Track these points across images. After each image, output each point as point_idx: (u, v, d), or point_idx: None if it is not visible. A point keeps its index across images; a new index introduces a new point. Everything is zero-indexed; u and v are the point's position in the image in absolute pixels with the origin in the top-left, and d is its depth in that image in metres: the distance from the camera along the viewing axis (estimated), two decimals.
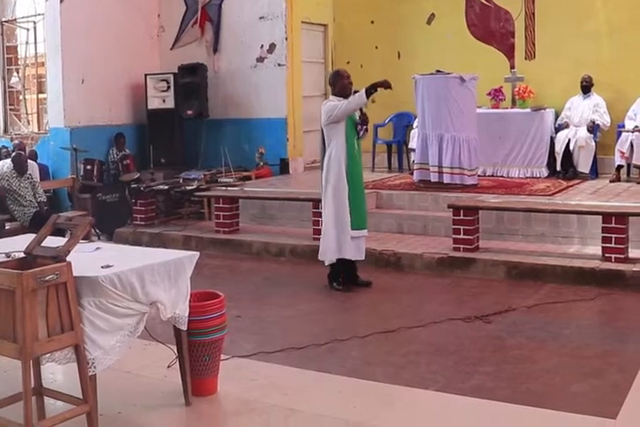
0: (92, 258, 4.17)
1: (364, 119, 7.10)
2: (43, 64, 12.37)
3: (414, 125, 10.69)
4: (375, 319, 6.21)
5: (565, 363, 5.16)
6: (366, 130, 7.23)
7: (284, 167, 12.06)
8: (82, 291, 3.74)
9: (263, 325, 6.18)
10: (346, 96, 6.98)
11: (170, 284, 4.16)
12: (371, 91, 6.89)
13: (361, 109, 7.06)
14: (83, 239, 4.20)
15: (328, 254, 7.12)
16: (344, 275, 7.24)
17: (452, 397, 4.52)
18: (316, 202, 8.74)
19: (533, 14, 11.59)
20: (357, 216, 7.12)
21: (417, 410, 4.35)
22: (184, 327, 4.28)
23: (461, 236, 7.91)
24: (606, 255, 7.34)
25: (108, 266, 3.91)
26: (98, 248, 4.52)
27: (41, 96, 12.72)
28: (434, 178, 9.58)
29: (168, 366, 4.78)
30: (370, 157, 12.10)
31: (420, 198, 9.30)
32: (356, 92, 6.97)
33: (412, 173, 10.26)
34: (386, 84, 6.99)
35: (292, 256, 8.66)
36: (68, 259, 3.66)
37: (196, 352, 4.44)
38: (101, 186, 10.84)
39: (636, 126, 10.20)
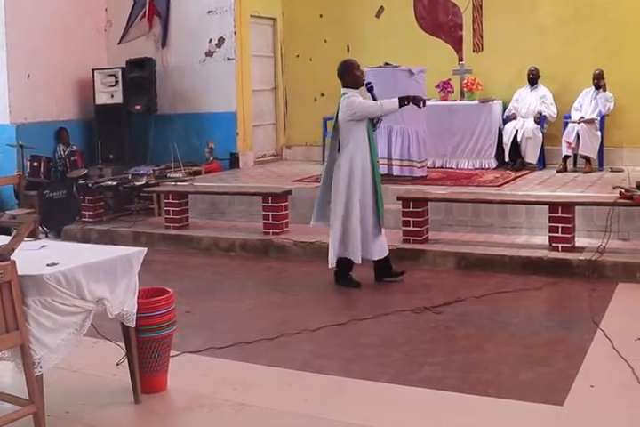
0: (37, 256, 4.13)
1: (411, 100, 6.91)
2: None
3: None
4: (326, 312, 6.23)
5: (514, 352, 5.22)
6: (380, 121, 7.09)
7: (234, 162, 12.02)
8: (27, 290, 3.69)
9: (213, 320, 6.15)
10: (357, 87, 6.86)
11: (117, 280, 4.13)
12: (404, 102, 6.77)
13: (376, 101, 6.92)
14: (29, 237, 4.16)
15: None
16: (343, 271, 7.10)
17: (402, 388, 4.55)
18: (266, 196, 8.77)
19: (481, 7, 11.69)
20: (383, 210, 6.99)
21: (366, 402, 4.36)
22: (132, 324, 4.25)
23: (411, 227, 7.95)
24: (553, 245, 7.44)
25: (53, 264, 3.87)
26: (44, 246, 4.47)
27: None
28: (383, 170, 9.54)
29: (117, 364, 4.76)
30: (320, 150, 12.14)
31: None
32: (369, 84, 6.89)
33: None
34: (422, 103, 6.97)
35: (242, 251, 8.64)
36: (12, 257, 3.62)
37: (145, 349, 4.41)
38: (48, 183, 10.68)
39: (582, 117, 10.38)
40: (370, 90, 6.94)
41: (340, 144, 6.91)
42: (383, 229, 7.00)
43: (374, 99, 6.88)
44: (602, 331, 5.43)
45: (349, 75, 6.87)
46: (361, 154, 6.82)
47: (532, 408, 4.20)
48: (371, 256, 6.98)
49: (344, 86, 6.91)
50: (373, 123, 6.96)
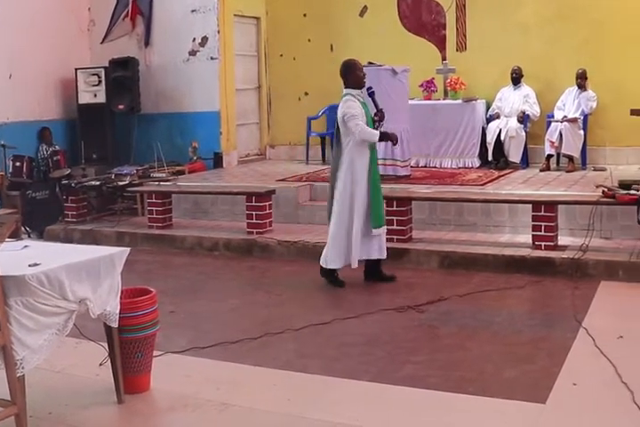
0: (19, 256, 4.10)
1: (380, 116, 6.82)
2: None
3: None
4: (309, 312, 6.22)
5: (497, 350, 5.24)
6: (381, 126, 6.94)
7: (217, 161, 12.01)
8: (9, 290, 3.68)
9: (197, 320, 6.14)
10: (360, 87, 6.81)
11: (99, 281, 4.12)
12: (383, 138, 6.80)
13: (377, 106, 6.84)
14: (11, 237, 4.14)
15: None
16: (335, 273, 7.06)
17: (385, 386, 4.56)
18: (250, 195, 8.76)
19: (464, 6, 11.72)
20: (381, 211, 6.98)
21: (350, 401, 4.37)
22: (115, 324, 4.25)
23: (395, 226, 7.93)
24: (536, 243, 7.48)
25: (35, 264, 3.85)
26: (26, 246, 4.45)
27: None
28: None
29: (100, 364, 4.75)
30: (304, 149, 12.16)
31: None
32: (369, 88, 6.88)
33: None
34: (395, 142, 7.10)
35: (225, 250, 8.62)
36: None
37: (128, 349, 4.41)
38: (31, 183, 10.66)
39: (565, 116, 10.43)
40: (371, 95, 6.92)
41: (342, 144, 6.87)
42: (380, 230, 6.91)
43: (375, 104, 6.87)
44: (584, 329, 5.46)
45: (351, 75, 6.82)
46: (360, 155, 6.78)
47: (515, 406, 4.22)
48: (368, 256, 6.95)
49: (346, 87, 6.86)
50: (374, 127, 6.84)
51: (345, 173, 6.82)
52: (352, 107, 6.70)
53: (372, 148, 6.90)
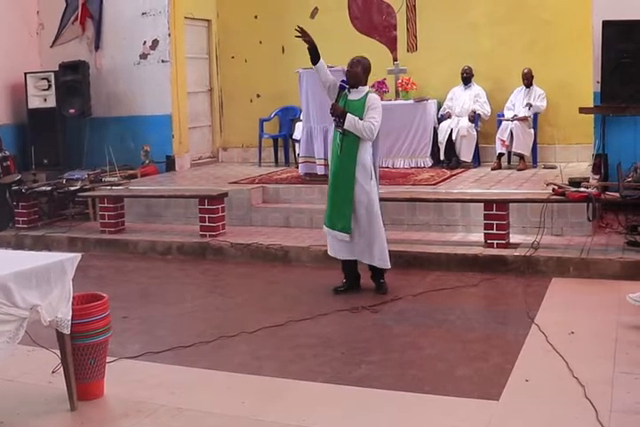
0: None
1: (331, 111, 6.59)
2: None
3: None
4: (264, 314, 6.21)
5: (450, 348, 5.28)
6: (342, 123, 6.47)
7: (170, 164, 11.94)
8: None
9: (150, 325, 6.10)
10: (349, 84, 6.87)
11: (50, 287, 4.08)
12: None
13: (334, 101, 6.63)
14: None
15: None
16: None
17: (340, 387, 4.58)
18: (203, 198, 8.73)
19: (414, 7, 11.78)
20: (329, 213, 6.72)
21: (304, 402, 4.38)
22: (67, 331, 4.21)
23: None
24: (488, 242, 7.55)
25: None
26: None
27: None
28: (320, 171, 9.61)
29: (53, 372, 4.70)
30: (256, 151, 12.15)
31: (307, 191, 9.34)
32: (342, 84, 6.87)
33: (297, 167, 10.31)
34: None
35: (178, 254, 8.58)
36: None
37: (81, 356, 4.37)
38: None
39: (515, 115, 10.54)
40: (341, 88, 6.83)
41: None
42: (331, 231, 6.74)
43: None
44: (536, 325, 5.54)
45: None
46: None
47: (469, 404, 4.25)
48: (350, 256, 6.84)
49: None
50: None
51: None
52: None
53: (334, 142, 6.69)
